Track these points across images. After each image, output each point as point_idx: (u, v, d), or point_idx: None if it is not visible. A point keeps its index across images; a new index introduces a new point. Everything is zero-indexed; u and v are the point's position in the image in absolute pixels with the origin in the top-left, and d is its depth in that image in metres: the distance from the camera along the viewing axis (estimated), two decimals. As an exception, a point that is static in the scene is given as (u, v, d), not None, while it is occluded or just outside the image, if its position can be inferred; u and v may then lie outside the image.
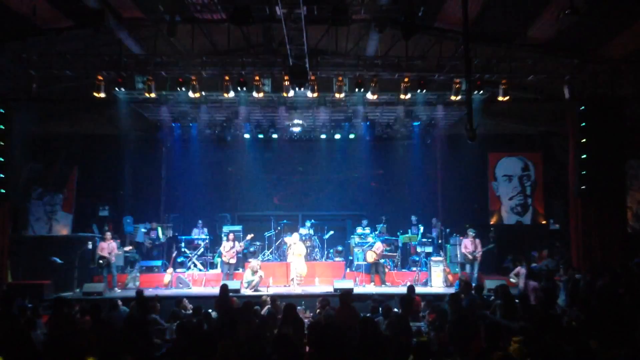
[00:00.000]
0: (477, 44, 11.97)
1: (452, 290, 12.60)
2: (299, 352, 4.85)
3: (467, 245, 13.74)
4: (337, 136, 16.52)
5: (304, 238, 14.60)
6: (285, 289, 13.20)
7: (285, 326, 6.89)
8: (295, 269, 13.24)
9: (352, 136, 16.51)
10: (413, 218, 16.15)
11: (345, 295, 8.68)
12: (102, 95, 12.21)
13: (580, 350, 4.72)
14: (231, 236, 14.15)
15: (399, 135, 17.15)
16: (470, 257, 13.60)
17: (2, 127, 12.68)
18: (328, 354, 4.94)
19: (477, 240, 13.80)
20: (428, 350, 5.05)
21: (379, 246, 14.13)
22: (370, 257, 13.95)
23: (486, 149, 16.24)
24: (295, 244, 13.48)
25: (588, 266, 12.23)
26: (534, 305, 9.16)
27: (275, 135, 16.45)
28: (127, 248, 14.41)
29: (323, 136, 16.75)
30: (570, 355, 4.71)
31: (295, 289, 12.96)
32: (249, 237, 14.58)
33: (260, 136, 16.45)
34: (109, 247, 13.34)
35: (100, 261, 13.31)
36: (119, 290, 13.16)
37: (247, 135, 16.45)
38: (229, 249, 13.88)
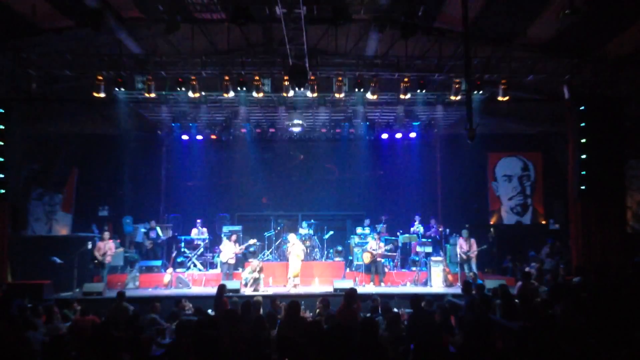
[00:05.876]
0: (477, 44, 11.97)
1: (452, 290, 12.62)
2: (302, 352, 4.83)
3: (462, 245, 13.86)
4: (337, 136, 16.50)
5: (302, 238, 14.58)
6: (285, 289, 13.19)
7: (287, 326, 6.82)
8: (291, 269, 13.21)
9: (352, 136, 16.49)
10: (417, 218, 16.08)
11: (350, 294, 8.48)
12: (102, 95, 12.21)
13: (580, 350, 4.71)
14: (233, 237, 14.10)
15: (398, 135, 17.14)
16: (464, 256, 13.72)
17: (2, 127, 12.66)
18: (328, 354, 4.93)
19: (472, 240, 13.87)
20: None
21: (372, 244, 14.09)
22: (367, 258, 13.91)
23: (486, 149, 16.25)
24: (294, 244, 13.46)
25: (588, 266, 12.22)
26: (534, 305, 9.14)
27: (275, 135, 16.44)
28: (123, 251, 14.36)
29: (323, 136, 16.73)
30: (571, 355, 4.70)
31: (290, 289, 12.93)
32: (251, 241, 14.48)
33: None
34: (104, 248, 13.32)
35: (95, 261, 13.29)
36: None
37: (246, 136, 16.46)
38: (228, 249, 13.85)
